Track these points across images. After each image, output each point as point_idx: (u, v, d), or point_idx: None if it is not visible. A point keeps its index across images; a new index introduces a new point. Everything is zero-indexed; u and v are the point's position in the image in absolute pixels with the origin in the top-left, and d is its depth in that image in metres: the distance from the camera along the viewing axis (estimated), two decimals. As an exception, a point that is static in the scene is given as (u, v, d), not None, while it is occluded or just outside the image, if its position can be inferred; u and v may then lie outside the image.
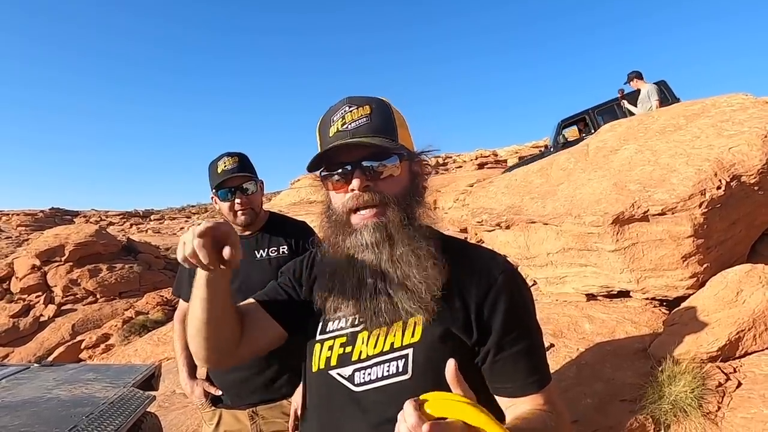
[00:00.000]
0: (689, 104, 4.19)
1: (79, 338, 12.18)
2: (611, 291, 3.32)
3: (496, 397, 0.89)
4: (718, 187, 2.95)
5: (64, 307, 13.98)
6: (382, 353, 0.87)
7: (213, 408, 1.79)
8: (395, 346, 0.87)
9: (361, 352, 0.89)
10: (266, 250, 1.82)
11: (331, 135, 0.89)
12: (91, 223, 23.82)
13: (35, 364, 2.88)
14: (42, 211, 29.12)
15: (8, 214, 27.33)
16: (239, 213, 1.79)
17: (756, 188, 3.11)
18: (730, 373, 2.51)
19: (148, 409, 2.41)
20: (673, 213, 2.94)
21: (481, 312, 0.86)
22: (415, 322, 0.87)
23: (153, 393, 2.44)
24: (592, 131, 10.74)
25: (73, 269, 14.86)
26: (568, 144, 10.69)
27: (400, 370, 0.85)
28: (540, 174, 4.23)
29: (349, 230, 0.91)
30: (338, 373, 0.91)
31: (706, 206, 2.91)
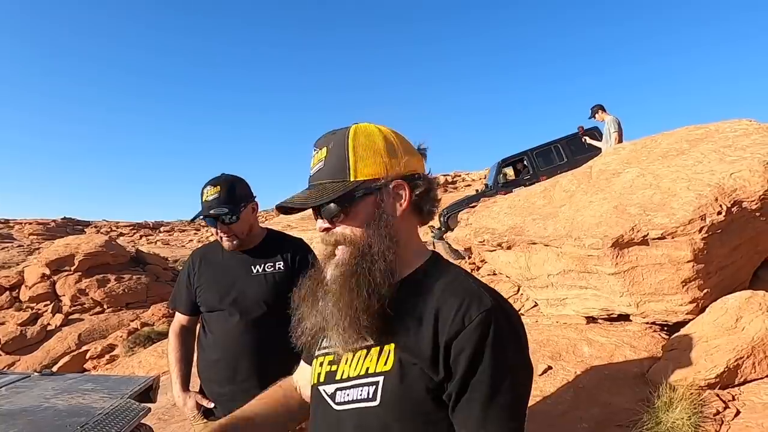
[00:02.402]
0: (693, 129, 4.19)
1: (84, 348, 12.24)
2: (611, 314, 3.30)
3: None
4: (719, 213, 2.95)
5: (71, 317, 14.08)
6: (358, 377, 0.90)
7: (205, 420, 1.81)
8: (369, 372, 0.88)
9: (343, 372, 0.92)
10: (262, 265, 1.85)
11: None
12: (101, 233, 24.07)
13: (36, 373, 2.92)
14: (54, 221, 29.54)
15: (21, 223, 27.76)
16: (224, 240, 1.83)
17: (758, 214, 3.10)
18: (729, 401, 2.48)
19: (143, 421, 2.42)
20: (673, 237, 2.94)
21: (449, 353, 0.83)
22: (389, 350, 0.88)
23: (149, 405, 2.45)
24: (531, 171, 10.95)
25: (81, 279, 14.99)
26: (507, 183, 10.82)
27: (370, 396, 0.87)
28: (543, 195, 4.24)
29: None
30: (324, 390, 0.95)
31: (707, 231, 2.90)
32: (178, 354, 1.92)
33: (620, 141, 6.61)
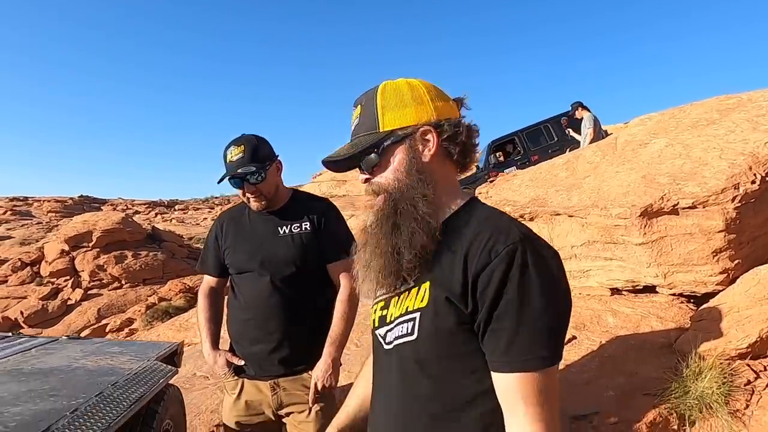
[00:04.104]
0: (724, 99, 4.06)
1: (104, 322, 12.51)
2: (637, 286, 3.25)
3: None
4: (753, 182, 2.86)
5: (90, 292, 14.37)
6: (401, 315, 0.95)
7: (235, 377, 1.81)
8: (408, 310, 0.93)
9: (391, 314, 0.98)
10: (289, 226, 1.83)
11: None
12: (117, 211, 24.37)
13: (64, 337, 2.97)
14: (71, 199, 29.97)
15: (39, 200, 28.21)
16: (251, 200, 1.80)
17: (793, 184, 3.00)
18: (760, 371, 2.43)
19: (170, 382, 2.46)
20: (704, 207, 2.86)
21: (476, 286, 0.85)
22: (426, 288, 0.92)
23: (175, 368, 2.48)
24: (522, 152, 11.02)
25: (99, 255, 15.26)
26: (498, 165, 10.77)
27: (409, 331, 0.92)
28: (565, 167, 4.16)
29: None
30: (378, 333, 1.02)
31: (740, 200, 2.82)
32: (207, 314, 1.92)
33: (594, 138, 7.14)
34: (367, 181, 1.02)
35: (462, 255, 0.88)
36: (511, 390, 0.81)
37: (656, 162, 3.35)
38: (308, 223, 1.83)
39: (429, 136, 0.97)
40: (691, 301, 3.09)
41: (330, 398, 1.80)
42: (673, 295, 3.10)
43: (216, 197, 35.50)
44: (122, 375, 2.15)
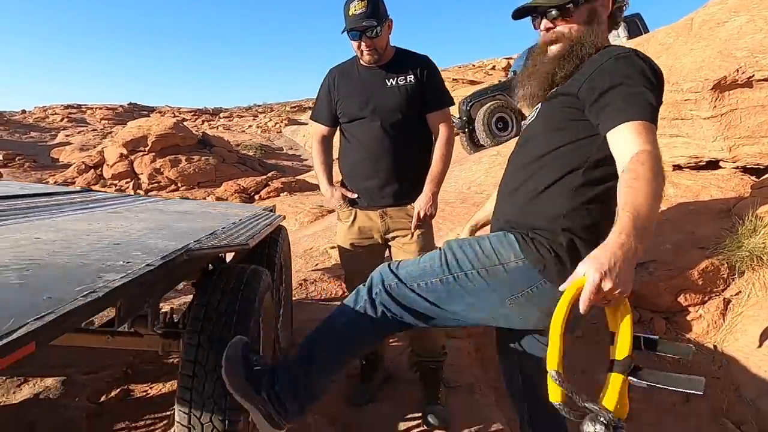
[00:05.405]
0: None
1: (167, 219, 13.44)
2: (699, 161, 3.37)
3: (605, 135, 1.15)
4: (836, 53, 2.84)
5: (150, 194, 15.33)
6: (533, 112, 1.36)
7: (350, 208, 2.15)
8: (537, 107, 1.35)
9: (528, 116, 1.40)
10: (395, 79, 2.06)
11: None
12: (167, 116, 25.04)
13: (178, 198, 3.42)
14: (121, 106, 30.91)
15: (92, 108, 29.26)
16: (365, 53, 2.01)
17: None
18: (816, 230, 2.61)
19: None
20: (780, 79, 2.89)
21: (586, 78, 1.16)
22: (551, 94, 1.29)
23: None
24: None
25: (156, 159, 16.05)
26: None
27: (534, 117, 1.33)
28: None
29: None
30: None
31: (818, 72, 2.83)
32: (322, 157, 2.24)
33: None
34: (548, 29, 1.28)
35: (581, 72, 1.20)
36: (629, 135, 1.04)
37: (734, 38, 3.31)
38: (412, 76, 2.06)
39: (608, 2, 1.28)
40: (754, 174, 3.21)
41: (428, 226, 2.13)
42: (736, 168, 3.23)
43: (259, 105, 35.71)
44: (243, 216, 2.55)
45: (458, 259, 1.22)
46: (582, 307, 0.85)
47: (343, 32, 1.99)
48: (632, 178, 0.96)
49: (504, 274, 1.17)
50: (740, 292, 2.56)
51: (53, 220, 1.86)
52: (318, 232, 5.36)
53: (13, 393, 2.28)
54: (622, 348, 0.85)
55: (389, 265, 1.33)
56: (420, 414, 2.07)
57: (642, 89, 1.08)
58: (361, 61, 2.08)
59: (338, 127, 2.22)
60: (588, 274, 0.85)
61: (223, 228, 2.05)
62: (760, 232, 2.60)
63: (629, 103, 1.06)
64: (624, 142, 1.04)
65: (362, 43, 1.98)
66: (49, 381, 2.35)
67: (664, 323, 2.60)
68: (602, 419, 0.78)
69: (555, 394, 0.84)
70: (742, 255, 2.60)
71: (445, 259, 1.23)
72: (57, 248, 1.31)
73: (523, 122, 1.45)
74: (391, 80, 2.06)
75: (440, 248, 1.29)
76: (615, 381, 0.83)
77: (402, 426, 2.04)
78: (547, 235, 1.16)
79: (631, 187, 0.94)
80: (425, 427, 2.02)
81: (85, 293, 0.91)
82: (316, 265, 3.96)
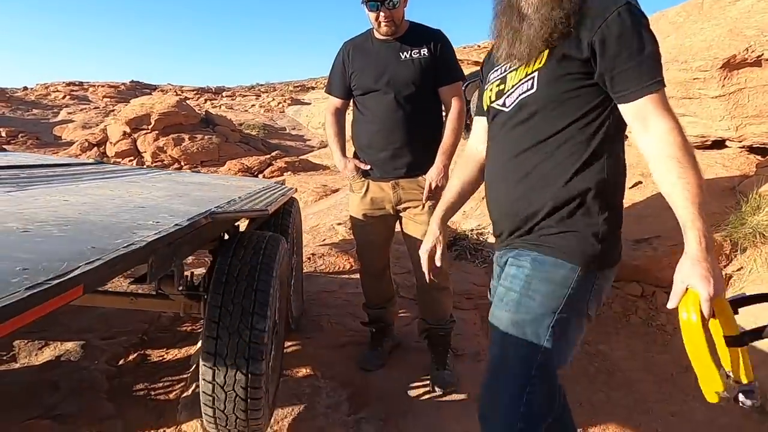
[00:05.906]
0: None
1: (171, 197, 13.48)
2: (706, 141, 3.40)
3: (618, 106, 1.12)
4: None
5: (155, 171, 15.35)
6: (520, 81, 1.18)
7: (363, 179, 2.20)
8: (527, 73, 1.17)
9: (509, 85, 1.22)
10: (409, 52, 2.09)
11: None
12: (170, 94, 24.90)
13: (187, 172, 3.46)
14: (123, 84, 30.72)
15: (94, 86, 29.09)
16: (383, 24, 2.03)
17: None
18: (818, 208, 2.66)
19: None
20: (789, 58, 2.90)
21: (592, 38, 1.07)
22: (544, 54, 1.13)
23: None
24: None
25: (159, 137, 16.02)
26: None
27: (530, 87, 1.15)
28: (644, 30, 4.11)
29: None
30: (496, 104, 1.26)
31: (828, 51, 2.84)
32: (335, 129, 2.27)
33: None
34: None
35: (580, 24, 1.09)
36: (644, 109, 1.07)
37: (745, 17, 3.30)
38: (426, 49, 2.09)
39: None
40: (759, 154, 3.24)
41: (439, 197, 2.18)
42: (742, 147, 3.26)
43: (261, 84, 35.44)
44: (258, 187, 2.60)
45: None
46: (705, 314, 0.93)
47: (362, 3, 2.01)
48: (679, 167, 1.03)
49: (574, 292, 1.14)
50: (742, 267, 2.62)
51: (77, 186, 1.91)
52: (323, 210, 5.42)
53: (35, 355, 2.37)
54: (730, 325, 0.92)
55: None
56: (428, 379, 2.15)
57: (651, 48, 1.06)
58: (377, 34, 2.11)
59: (351, 100, 2.25)
60: (700, 291, 0.93)
61: (240, 197, 2.11)
62: (764, 210, 2.65)
63: (644, 71, 1.05)
64: (648, 117, 1.06)
65: (381, 14, 2.00)
66: (69, 345, 2.43)
67: (666, 297, 2.66)
68: (749, 389, 0.89)
69: (716, 385, 0.90)
70: (745, 232, 2.65)
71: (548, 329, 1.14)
72: (88, 209, 1.37)
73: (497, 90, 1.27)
74: (405, 53, 2.09)
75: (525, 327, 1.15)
76: (743, 355, 0.91)
77: (411, 389, 2.12)
78: (584, 223, 1.14)
79: (683, 177, 1.02)
80: (434, 391, 2.10)
81: (125, 245, 0.96)
82: (324, 240, 4.02)
